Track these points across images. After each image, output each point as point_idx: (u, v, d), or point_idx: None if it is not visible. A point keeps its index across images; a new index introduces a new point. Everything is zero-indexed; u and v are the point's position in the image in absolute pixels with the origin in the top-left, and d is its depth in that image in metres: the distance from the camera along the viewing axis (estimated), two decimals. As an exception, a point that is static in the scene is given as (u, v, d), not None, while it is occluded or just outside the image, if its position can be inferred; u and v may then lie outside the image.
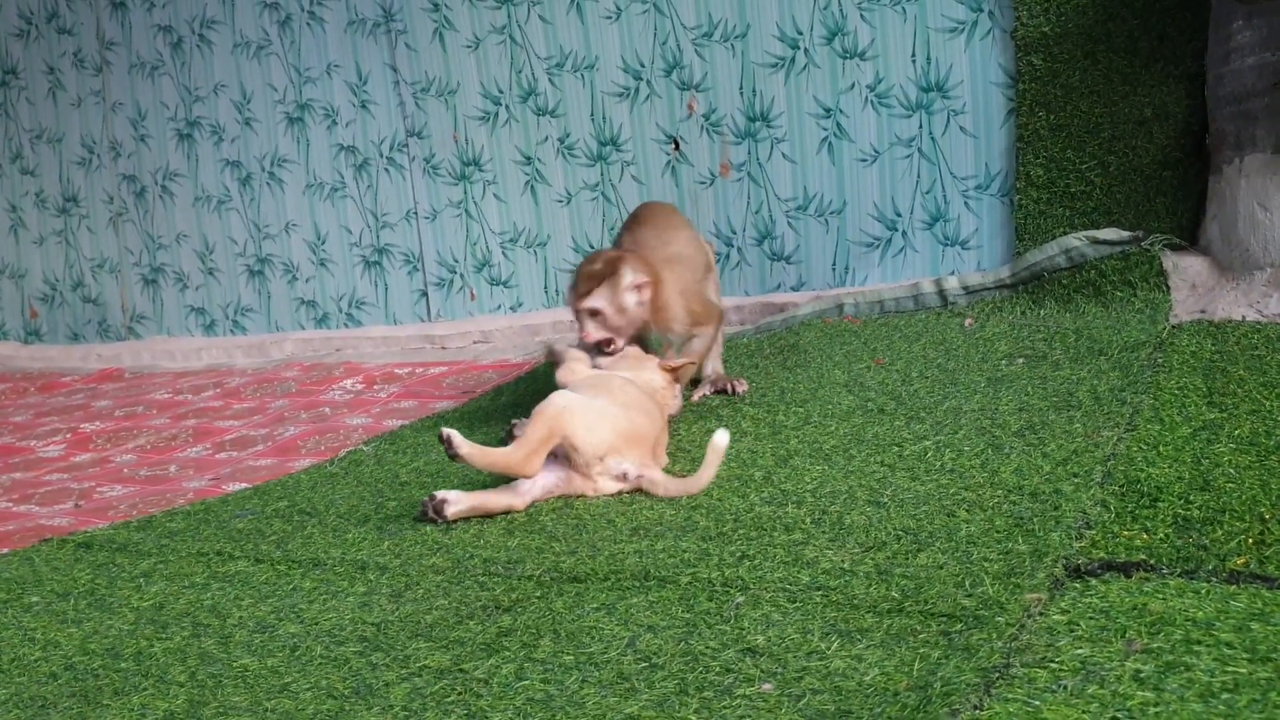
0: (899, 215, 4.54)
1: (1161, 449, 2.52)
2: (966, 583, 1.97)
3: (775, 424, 3.22)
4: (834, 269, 4.69)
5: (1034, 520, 2.22)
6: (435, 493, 2.70)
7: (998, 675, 1.64)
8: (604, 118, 5.17)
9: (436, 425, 3.95)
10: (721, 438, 2.66)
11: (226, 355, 6.15)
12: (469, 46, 5.44)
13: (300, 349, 5.97)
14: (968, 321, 4.06)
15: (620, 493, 2.75)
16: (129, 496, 3.53)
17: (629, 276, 3.29)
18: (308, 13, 5.85)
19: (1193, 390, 2.94)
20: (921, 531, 2.25)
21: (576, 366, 3.19)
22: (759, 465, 2.85)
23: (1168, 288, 3.71)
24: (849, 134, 4.61)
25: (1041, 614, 1.84)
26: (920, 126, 4.46)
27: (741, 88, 4.81)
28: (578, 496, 2.75)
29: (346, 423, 4.30)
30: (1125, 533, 2.12)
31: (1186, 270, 3.70)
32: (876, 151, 4.56)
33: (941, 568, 2.06)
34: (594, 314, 3.29)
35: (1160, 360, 3.24)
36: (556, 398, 2.69)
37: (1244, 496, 2.19)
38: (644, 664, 1.80)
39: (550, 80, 5.27)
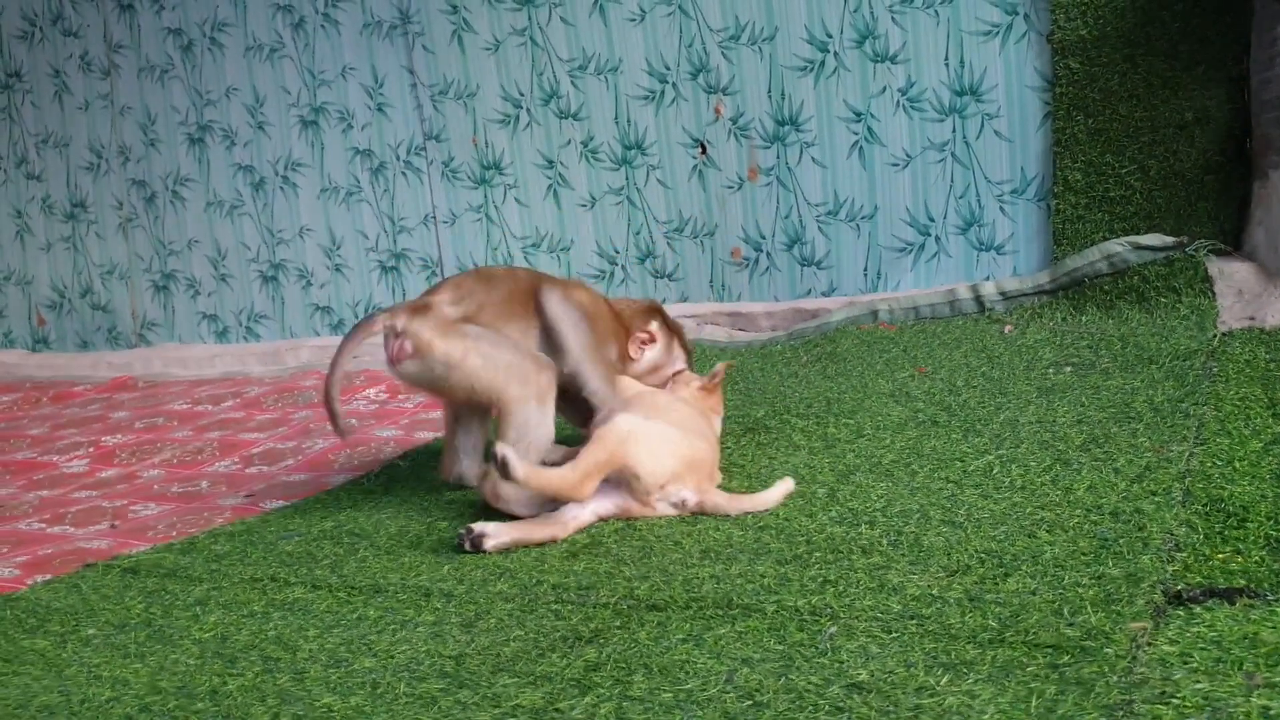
0: (932, 220, 4.50)
1: (1237, 465, 2.48)
2: (1065, 610, 1.93)
3: (828, 437, 3.17)
4: (865, 274, 4.64)
5: (1119, 542, 2.18)
6: (473, 525, 2.60)
7: (1122, 713, 1.59)
8: (628, 121, 5.11)
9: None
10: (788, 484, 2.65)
11: (240, 363, 6.08)
12: (488, 49, 5.37)
13: (316, 356, 5.89)
14: (1007, 328, 4.02)
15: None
16: (165, 515, 3.46)
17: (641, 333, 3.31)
18: (322, 15, 5.77)
19: (1254, 401, 2.91)
20: (1005, 554, 2.20)
21: (624, 381, 3.14)
22: (819, 481, 2.80)
23: (1214, 294, 3.68)
24: (880, 138, 4.56)
25: (1150, 644, 1.79)
26: (954, 130, 4.41)
27: (770, 91, 4.76)
28: (633, 519, 2.70)
29: (376, 435, 4.23)
30: (1218, 555, 2.08)
31: (1233, 276, 3.67)
32: (909, 156, 4.51)
33: (1034, 594, 2.01)
34: None
35: (1215, 369, 3.21)
36: (620, 421, 2.63)
37: (1335, 516, 2.16)
38: (748, 702, 1.75)
39: (573, 83, 5.21)
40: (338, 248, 5.98)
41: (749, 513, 2.63)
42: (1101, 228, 4.04)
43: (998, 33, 4.26)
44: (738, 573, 2.29)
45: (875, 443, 3.06)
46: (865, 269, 4.64)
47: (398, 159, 5.72)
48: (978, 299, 4.20)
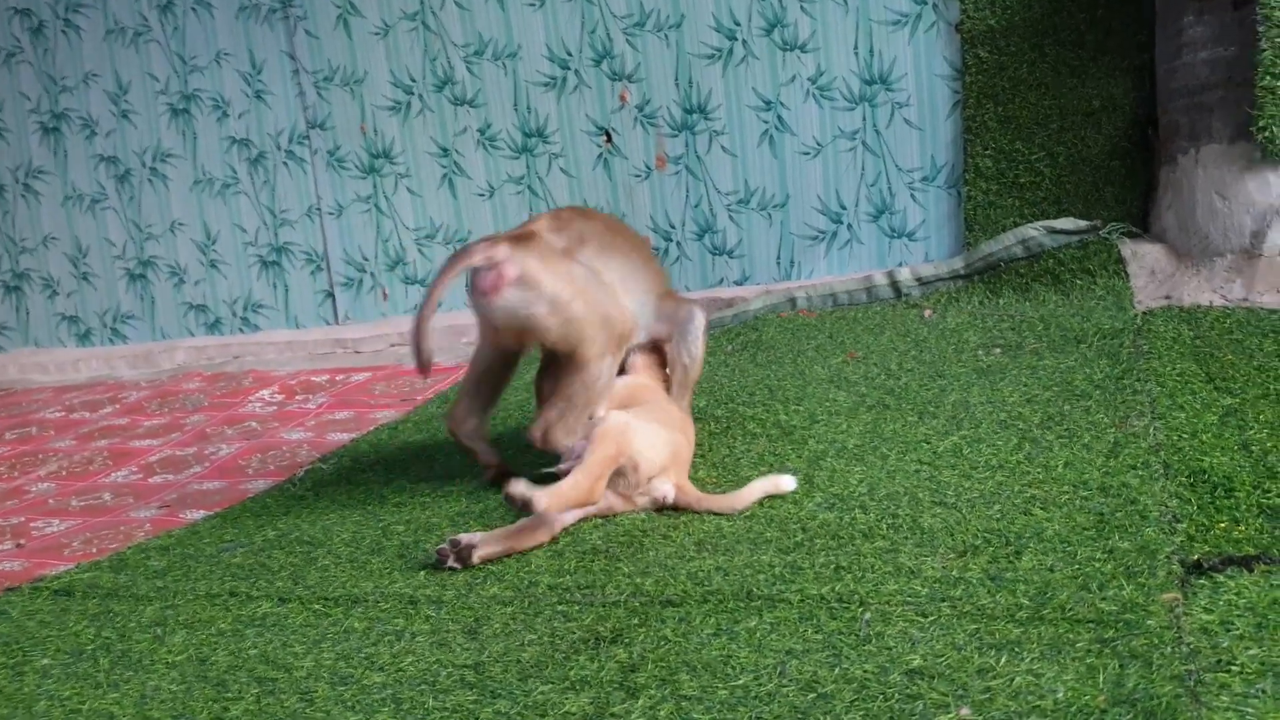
0: (844, 208, 4.54)
1: (1203, 437, 2.56)
2: (1092, 585, 1.94)
3: (782, 424, 3.15)
4: (779, 263, 4.66)
5: (1117, 515, 2.22)
6: (459, 537, 2.44)
7: (1192, 682, 1.61)
8: (529, 108, 4.99)
9: (391, 436, 3.74)
10: (789, 482, 2.58)
11: (109, 366, 5.70)
12: (377, 33, 5.17)
13: (193, 358, 5.58)
14: (927, 313, 4.08)
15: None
16: (75, 531, 3.20)
17: None
18: (191, -3, 5.46)
19: (1193, 376, 3.01)
20: (1008, 533, 2.21)
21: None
22: (789, 468, 2.77)
23: (1127, 275, 3.81)
24: (790, 127, 4.57)
25: (1187, 614, 1.82)
26: (864, 119, 4.46)
27: (677, 79, 4.72)
28: (613, 515, 2.62)
29: (284, 438, 4.02)
30: (1219, 525, 2.13)
31: (1145, 258, 3.81)
32: (819, 144, 4.54)
33: (1052, 570, 2.03)
34: None
35: (1145, 347, 3.32)
36: (615, 416, 2.54)
37: (1315, 483, 2.24)
38: (812, 694, 1.70)
39: (469, 69, 5.06)
40: (213, 243, 5.67)
41: (715, 512, 2.57)
42: (1012, 213, 4.15)
43: (906, 22, 4.33)
44: (743, 564, 2.23)
45: (832, 428, 3.05)
46: (778, 257, 4.65)
47: (278, 148, 5.46)
48: (894, 285, 4.26)
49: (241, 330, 5.69)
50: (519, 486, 2.37)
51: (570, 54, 4.87)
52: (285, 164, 5.46)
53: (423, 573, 2.44)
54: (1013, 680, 1.68)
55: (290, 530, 2.87)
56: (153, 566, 2.70)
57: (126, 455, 4.07)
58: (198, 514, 3.23)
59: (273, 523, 2.97)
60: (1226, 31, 3.54)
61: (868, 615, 1.94)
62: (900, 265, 4.38)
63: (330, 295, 5.52)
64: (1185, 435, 2.59)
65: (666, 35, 4.70)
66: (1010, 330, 3.75)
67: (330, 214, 5.44)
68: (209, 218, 5.65)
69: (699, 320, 3.01)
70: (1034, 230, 3.98)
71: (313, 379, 4.87)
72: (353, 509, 3.00)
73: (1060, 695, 1.62)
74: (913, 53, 4.34)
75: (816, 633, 1.91)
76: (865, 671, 1.75)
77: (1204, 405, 2.78)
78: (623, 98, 4.83)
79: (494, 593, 2.27)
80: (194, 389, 4.97)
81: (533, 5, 4.87)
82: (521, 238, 2.71)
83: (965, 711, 1.60)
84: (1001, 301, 4.02)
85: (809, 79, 4.51)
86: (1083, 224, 3.91)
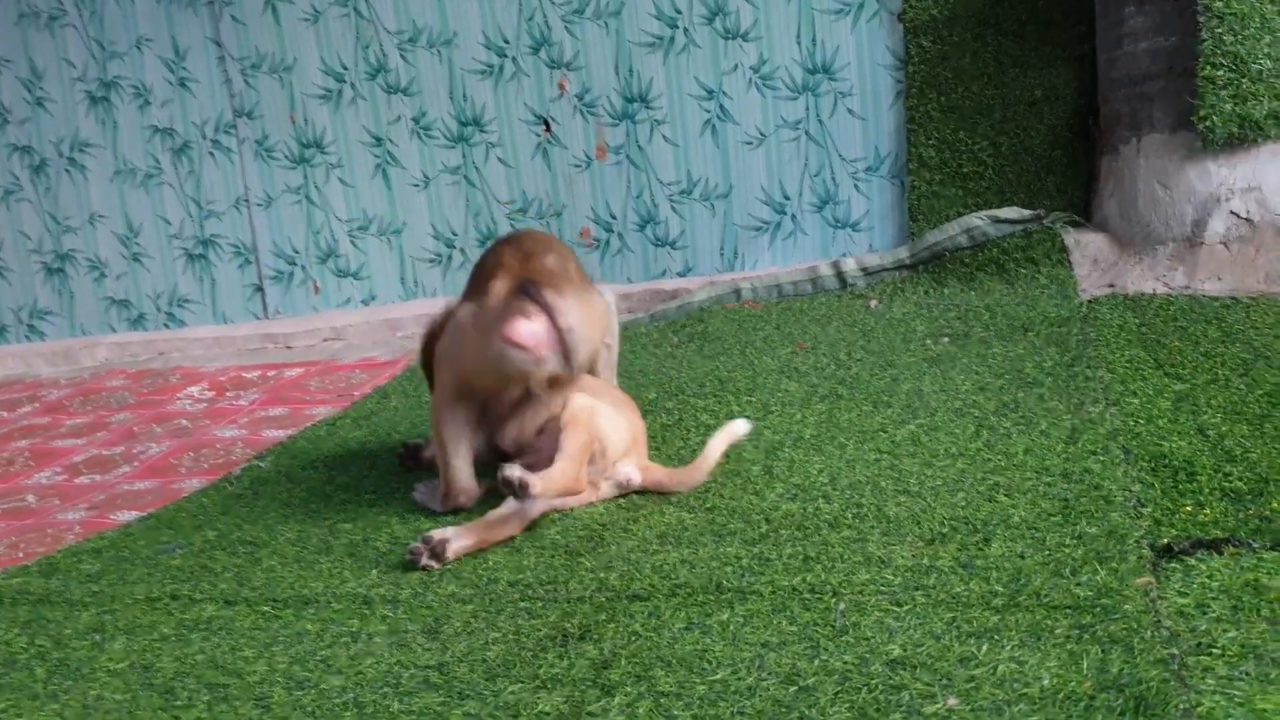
0: (787, 198, 4.52)
1: (1159, 423, 2.57)
2: (1065, 571, 1.92)
3: (735, 415, 3.09)
4: (722, 254, 4.62)
5: (1082, 501, 2.21)
6: (431, 533, 2.34)
7: (1176, 666, 1.59)
8: (465, 96, 4.90)
9: (330, 433, 3.63)
10: (743, 426, 2.54)
11: (26, 364, 5.49)
12: (307, 20, 5.03)
13: (116, 354, 5.39)
14: (873, 303, 4.07)
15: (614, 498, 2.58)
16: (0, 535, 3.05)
17: None
18: (111, -20, 5.27)
19: (1142, 363, 3.03)
20: (975, 520, 2.19)
21: None
22: (748, 459, 2.73)
23: (1070, 264, 3.83)
24: (733, 116, 4.54)
25: (1162, 598, 1.81)
26: (807, 109, 4.44)
27: (617, 67, 4.65)
28: (569, 509, 2.55)
29: (217, 435, 3.88)
30: (1184, 509, 2.13)
31: (1088, 247, 3.84)
32: (763, 134, 4.51)
33: (1023, 557, 2.01)
34: None
35: (1093, 335, 3.33)
36: (579, 399, 2.48)
37: (1273, 466, 2.25)
38: (793, 687, 1.65)
39: (402, 56, 4.95)
40: (136, 235, 5.48)
41: (692, 486, 2.54)
42: (955, 203, 4.16)
43: (849, 11, 4.31)
44: (709, 556, 2.18)
45: (786, 418, 3.02)
46: (722, 248, 4.62)
47: (204, 138, 5.29)
48: (839, 275, 4.24)
49: (166, 326, 5.51)
50: (514, 470, 2.30)
51: (508, 41, 4.79)
52: (211, 154, 5.29)
53: (375, 571, 2.35)
54: (996, 668, 1.65)
55: (231, 530, 2.76)
56: (86, 570, 2.58)
57: (49, 455, 3.90)
58: (129, 515, 3.10)
59: (211, 523, 2.85)
60: (1167, 21, 3.58)
61: (842, 606, 1.90)
62: (845, 256, 4.37)
63: (259, 289, 5.37)
64: (1141, 420, 2.60)
65: (606, 23, 4.63)
66: (957, 319, 3.75)
67: (259, 205, 5.28)
68: (131, 210, 5.46)
69: (613, 303, 2.98)
70: (978, 220, 3.99)
71: (244, 375, 4.72)
72: (295, 508, 2.90)
73: (1046, 682, 1.59)
74: (855, 42, 4.33)
75: (791, 624, 1.86)
76: (845, 663, 1.71)
77: (1156, 391, 2.79)
78: (561, 86, 4.76)
79: (452, 591, 2.20)
80: (118, 386, 4.79)
81: (469, -8, 4.78)
82: (550, 278, 2.50)
83: (953, 701, 1.57)
84: (947, 291, 4.02)
85: (751, 68, 4.48)
86: (1026, 213, 3.93)
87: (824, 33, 4.35)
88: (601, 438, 2.45)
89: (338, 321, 5.16)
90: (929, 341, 3.59)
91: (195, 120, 5.28)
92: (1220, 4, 3.38)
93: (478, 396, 2.60)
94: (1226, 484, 2.21)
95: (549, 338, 2.39)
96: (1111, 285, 3.68)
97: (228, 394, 4.48)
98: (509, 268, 2.57)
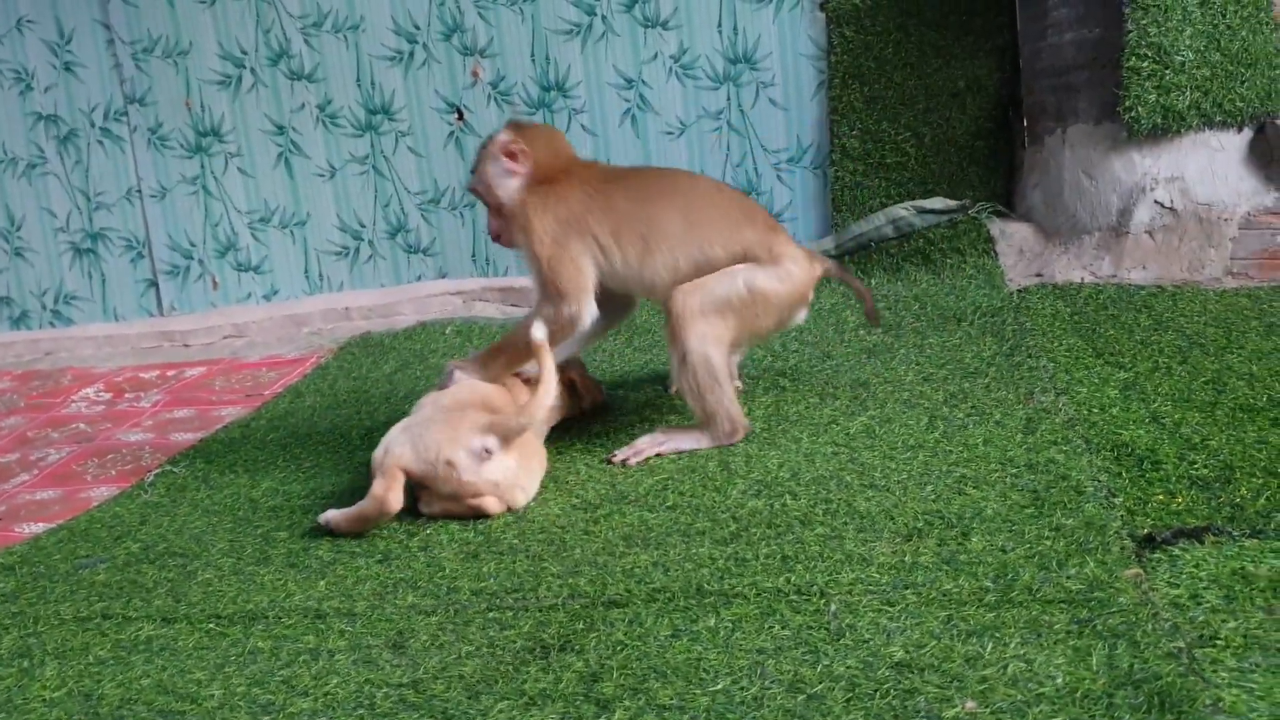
0: (708, 188, 4.46)
1: (1112, 411, 2.58)
2: (1052, 564, 1.90)
3: (677, 408, 3.03)
4: (644, 244, 4.54)
5: (1052, 492, 2.19)
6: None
7: (1186, 659, 1.57)
8: (373, 83, 4.72)
9: (244, 434, 3.46)
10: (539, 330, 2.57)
11: (-104, 366, 5.12)
12: (203, 2, 4.79)
13: (-1, 354, 5.07)
14: (800, 293, 4.04)
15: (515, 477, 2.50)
16: (-112, 551, 2.81)
17: (500, 137, 2.78)
18: (-14, -43, 4.94)
19: (1082, 351, 3.06)
20: (948, 514, 2.16)
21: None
22: (699, 454, 2.66)
23: (996, 254, 3.86)
24: (653, 105, 4.46)
25: (1153, 589, 1.80)
26: (728, 99, 4.39)
27: (533, 54, 4.53)
28: (517, 509, 2.46)
29: (121, 439, 3.66)
30: (1156, 498, 2.13)
31: (1013, 237, 3.87)
32: (683, 124, 4.45)
33: (1005, 550, 1.98)
34: (476, 195, 2.87)
35: (1027, 324, 3.35)
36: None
37: (1234, 453, 2.27)
38: (801, 696, 1.59)
39: (306, 41, 4.74)
40: (17, 229, 5.15)
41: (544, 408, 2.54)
42: (879, 193, 4.15)
43: (771, 0, 4.27)
44: (681, 557, 2.11)
45: (732, 412, 2.96)
46: (643, 239, 4.53)
47: (92, 125, 5.00)
48: (765, 266, 4.20)
49: (52, 324, 5.20)
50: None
51: (418, 27, 4.62)
52: (100, 142, 5.00)
53: (323, 582, 2.22)
54: (1005, 668, 1.61)
55: (155, 542, 2.58)
56: (0, 589, 2.38)
57: (-66, 465, 3.63)
58: (36, 527, 2.88)
59: (131, 534, 2.66)
60: (1091, 13, 3.62)
61: (834, 607, 1.84)
62: (768, 246, 4.32)
63: (154, 284, 5.10)
64: (1095, 410, 2.61)
65: (521, 9, 4.51)
66: (887, 310, 3.74)
67: (152, 197, 5.01)
68: (12, 201, 5.13)
69: None
70: (904, 210, 3.99)
71: (141, 375, 4.48)
72: (222, 515, 2.73)
73: (1059, 680, 1.56)
74: (777, 31, 4.29)
75: (784, 628, 1.80)
76: (849, 668, 1.65)
77: (1101, 380, 2.81)
78: (475, 73, 4.62)
79: (411, 601, 2.08)
80: (4, 389, 4.50)
81: (377, -26, 4.60)
82: None
83: (971, 704, 1.52)
84: (873, 281, 4.01)
85: (671, 57, 4.41)
86: (952, 204, 3.95)
87: (745, 22, 4.31)
88: (398, 462, 2.45)
89: (239, 318, 4.93)
90: (862, 332, 3.57)
91: (82, 107, 4.98)
92: (1145, -4, 3.43)
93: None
94: (1193, 472, 2.22)
95: None
96: (1039, 275, 3.71)
97: (126, 395, 4.24)
98: (755, 221, 2.78)
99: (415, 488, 2.48)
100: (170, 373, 4.46)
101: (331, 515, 2.46)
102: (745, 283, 2.68)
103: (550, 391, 2.53)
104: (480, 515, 2.44)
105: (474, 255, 4.76)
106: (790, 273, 2.74)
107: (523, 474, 2.49)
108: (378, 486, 2.39)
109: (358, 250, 4.89)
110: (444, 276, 4.81)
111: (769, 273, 2.71)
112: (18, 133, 5.06)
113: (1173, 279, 3.51)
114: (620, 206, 2.69)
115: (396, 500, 2.38)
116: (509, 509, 2.46)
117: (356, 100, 4.75)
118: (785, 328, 2.87)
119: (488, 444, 2.43)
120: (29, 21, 4.95)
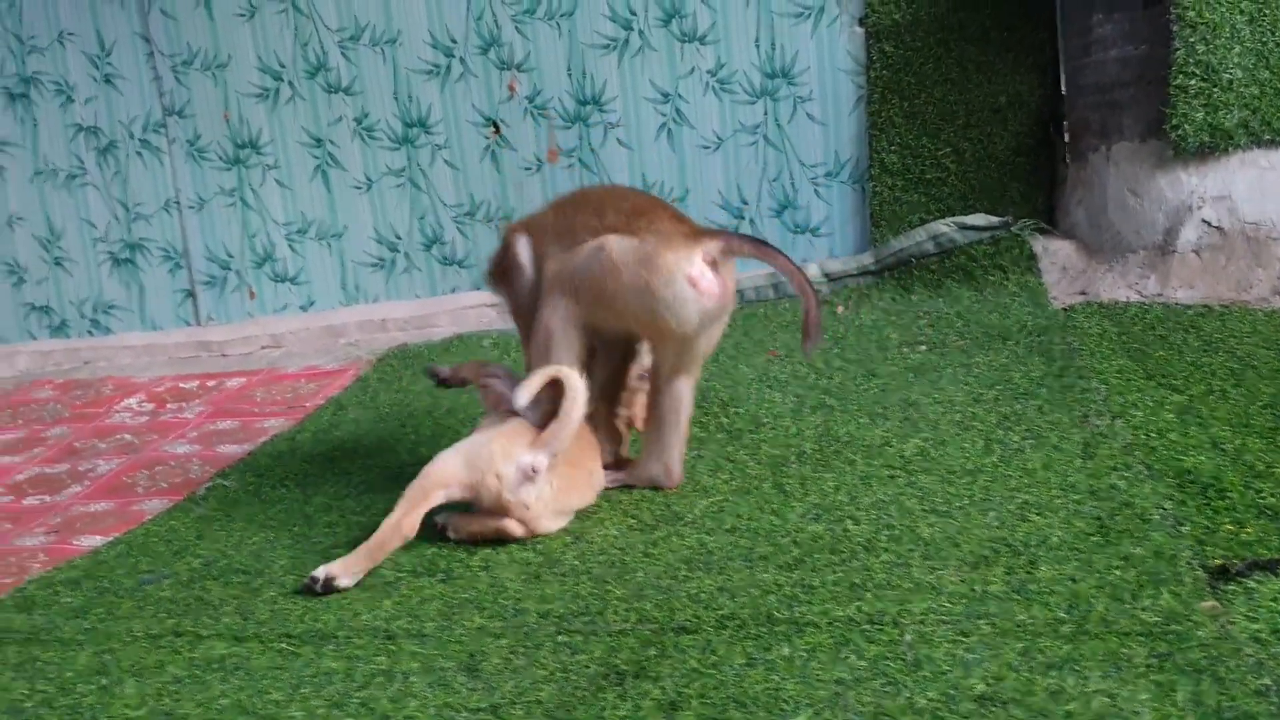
0: (745, 203, 4.47)
1: (1170, 436, 2.57)
2: (1125, 595, 1.90)
3: (725, 427, 3.05)
4: (682, 258, 4.54)
5: (1117, 520, 2.19)
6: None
7: (1274, 696, 1.57)
8: (410, 97, 4.74)
9: (291, 448, 3.47)
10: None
11: (-65, 375, 5.15)
12: (242, 15, 4.82)
13: (37, 363, 5.11)
14: (840, 309, 4.05)
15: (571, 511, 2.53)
16: (-52, 566, 2.83)
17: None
18: (27, -30, 4.97)
19: (1132, 373, 3.05)
20: (1014, 541, 2.16)
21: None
22: (752, 474, 2.67)
23: (1039, 271, 3.86)
24: (689, 120, 4.47)
25: (1231, 623, 1.79)
26: (765, 113, 4.39)
27: (570, 69, 4.55)
28: (550, 534, 2.48)
29: (168, 451, 3.68)
30: (1225, 527, 2.13)
31: (1056, 254, 3.87)
32: (720, 138, 4.45)
33: (1075, 580, 1.98)
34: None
35: (1075, 343, 3.35)
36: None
37: (1298, 480, 2.27)
38: (888, 730, 1.59)
39: (344, 54, 4.77)
40: (58, 239, 5.19)
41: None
42: (918, 209, 4.15)
43: (809, 15, 4.28)
44: (746, 583, 2.11)
45: (780, 431, 2.96)
46: (681, 253, 4.54)
47: (131, 137, 5.03)
48: (804, 281, 4.20)
49: (90, 333, 5.23)
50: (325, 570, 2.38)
51: (455, 41, 4.64)
52: (139, 154, 5.03)
53: (388, 602, 2.23)
54: (1089, 703, 1.61)
55: (216, 558, 2.60)
56: (68, 604, 2.40)
57: (-18, 476, 3.65)
58: (94, 540, 2.90)
59: (190, 549, 2.68)
60: (1136, 30, 3.62)
61: (908, 637, 1.85)
62: (806, 261, 4.33)
63: (191, 295, 5.13)
64: (1153, 434, 2.60)
65: (558, 23, 4.52)
66: (929, 327, 3.75)
67: (190, 208, 5.04)
68: (53, 212, 5.17)
69: None
70: (945, 226, 3.99)
71: (181, 385, 4.50)
72: (278, 531, 2.74)
73: (1146, 717, 1.56)
74: (815, 46, 4.30)
75: (860, 659, 1.80)
76: (931, 700, 1.66)
77: (1156, 403, 2.80)
78: (511, 88, 4.63)
79: (480, 623, 2.09)
80: (47, 398, 4.53)
81: (416, -12, 4.62)
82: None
83: (1060, 741, 1.52)
84: (914, 298, 4.02)
85: (708, 71, 4.42)
86: (994, 220, 3.95)
87: (783, 37, 4.31)
88: (439, 480, 2.46)
89: (275, 328, 4.95)
90: (905, 350, 3.58)
91: (122, 119, 5.02)
92: (1193, 14, 3.43)
93: (588, 331, 2.62)
94: (1260, 501, 2.21)
95: (723, 289, 2.52)
96: (1084, 293, 3.71)
97: (169, 406, 4.27)
98: (666, 213, 2.63)
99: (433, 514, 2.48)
100: (210, 383, 4.48)
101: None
102: (598, 247, 2.55)
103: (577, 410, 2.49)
104: (504, 538, 2.45)
105: (511, 268, 4.77)
106: (646, 242, 2.50)
107: (556, 503, 2.49)
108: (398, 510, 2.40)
109: (394, 262, 4.91)
110: (479, 289, 4.82)
111: (626, 242, 2.53)
112: (58, 144, 5.10)
113: (1220, 298, 3.51)
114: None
115: (411, 527, 2.40)
116: (532, 535, 2.46)
117: (393, 113, 4.77)
118: (670, 319, 2.49)
119: (536, 462, 2.43)
120: (70, 34, 4.98)
